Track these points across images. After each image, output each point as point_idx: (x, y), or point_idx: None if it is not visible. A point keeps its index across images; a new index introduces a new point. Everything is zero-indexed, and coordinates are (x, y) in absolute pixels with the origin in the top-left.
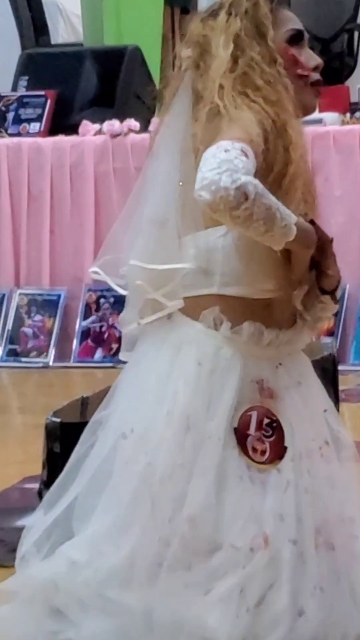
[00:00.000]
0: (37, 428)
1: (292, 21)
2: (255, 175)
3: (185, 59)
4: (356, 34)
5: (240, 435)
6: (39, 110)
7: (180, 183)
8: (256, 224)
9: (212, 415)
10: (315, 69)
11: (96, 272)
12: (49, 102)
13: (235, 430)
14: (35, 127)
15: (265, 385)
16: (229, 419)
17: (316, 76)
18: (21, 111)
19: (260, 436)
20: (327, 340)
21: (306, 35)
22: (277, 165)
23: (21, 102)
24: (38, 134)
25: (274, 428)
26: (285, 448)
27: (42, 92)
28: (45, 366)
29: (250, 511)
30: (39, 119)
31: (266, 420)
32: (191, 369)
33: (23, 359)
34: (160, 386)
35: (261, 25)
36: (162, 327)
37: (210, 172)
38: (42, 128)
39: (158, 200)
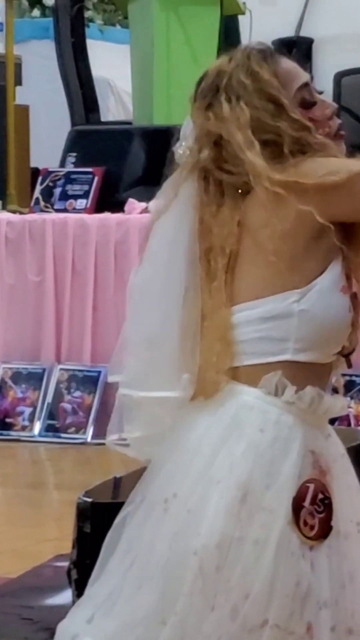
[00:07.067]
0: (73, 505)
1: (296, 75)
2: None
3: (200, 155)
4: None
5: (297, 505)
6: (85, 187)
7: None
8: None
9: (271, 485)
10: (332, 117)
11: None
12: (96, 179)
13: (294, 499)
14: (81, 203)
15: (319, 459)
16: (290, 489)
17: (335, 125)
18: (68, 187)
19: (313, 511)
20: None
21: (310, 79)
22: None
23: (68, 178)
24: (84, 210)
25: (325, 505)
26: (330, 527)
27: (89, 169)
28: (83, 443)
29: (296, 590)
30: (85, 195)
31: (320, 496)
32: (252, 436)
33: (61, 435)
34: (213, 453)
35: (271, 98)
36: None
37: None
38: (88, 205)
39: (153, 318)
